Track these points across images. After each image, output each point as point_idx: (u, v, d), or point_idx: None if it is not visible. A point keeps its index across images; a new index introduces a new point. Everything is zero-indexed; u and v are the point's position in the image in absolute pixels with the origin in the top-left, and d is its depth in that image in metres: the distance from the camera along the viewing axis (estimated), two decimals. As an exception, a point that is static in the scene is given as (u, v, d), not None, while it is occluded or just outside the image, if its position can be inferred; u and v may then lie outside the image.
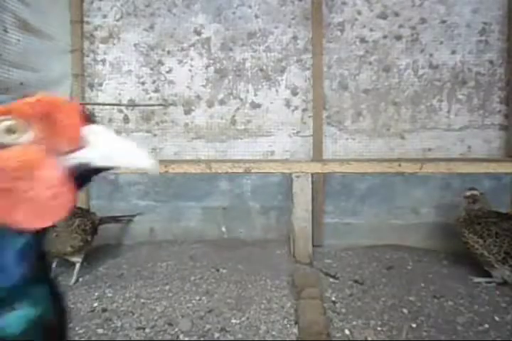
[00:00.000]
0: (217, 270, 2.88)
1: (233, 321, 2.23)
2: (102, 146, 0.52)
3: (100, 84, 3.56)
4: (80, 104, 3.07)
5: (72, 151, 0.52)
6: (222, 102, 3.52)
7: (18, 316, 0.51)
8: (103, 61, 3.55)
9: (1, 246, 0.51)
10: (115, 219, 3.30)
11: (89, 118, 0.54)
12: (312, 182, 3.09)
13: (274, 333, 2.12)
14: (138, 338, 2.07)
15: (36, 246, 0.54)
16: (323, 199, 3.41)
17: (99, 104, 3.55)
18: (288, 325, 2.18)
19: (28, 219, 0.50)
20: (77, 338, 2.02)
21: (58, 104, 0.52)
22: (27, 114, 0.50)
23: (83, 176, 0.54)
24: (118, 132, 3.56)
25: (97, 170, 0.55)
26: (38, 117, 0.51)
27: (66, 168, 0.52)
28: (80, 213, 2.81)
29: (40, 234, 0.54)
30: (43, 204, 0.50)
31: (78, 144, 0.52)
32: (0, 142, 0.49)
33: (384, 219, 3.40)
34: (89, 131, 0.53)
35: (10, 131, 0.49)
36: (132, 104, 3.55)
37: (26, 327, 0.51)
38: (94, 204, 3.48)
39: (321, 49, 3.37)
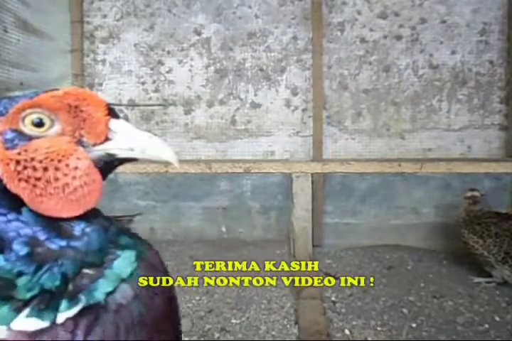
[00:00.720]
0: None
1: (233, 321, 2.23)
2: (126, 139, 0.54)
3: (100, 84, 3.56)
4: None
5: (97, 143, 0.54)
6: (222, 102, 3.52)
7: (124, 257, 0.55)
8: (103, 61, 3.55)
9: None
10: (115, 219, 3.29)
11: (113, 112, 0.55)
12: (312, 182, 3.09)
13: (274, 333, 2.12)
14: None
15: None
16: (323, 199, 3.41)
17: (99, 104, 3.55)
18: (288, 325, 2.18)
19: (57, 208, 0.52)
20: (77, 338, 2.02)
21: (86, 98, 0.53)
22: (55, 107, 0.52)
23: (107, 167, 0.57)
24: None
25: (121, 162, 0.57)
26: (65, 110, 0.52)
27: (92, 159, 0.54)
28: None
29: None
30: (71, 193, 0.53)
31: (104, 136, 0.54)
32: (29, 134, 0.51)
33: (384, 219, 3.40)
34: (114, 124, 0.55)
35: (40, 124, 0.51)
36: (132, 104, 3.55)
37: (135, 266, 0.55)
38: (94, 204, 3.47)
39: (321, 49, 3.37)
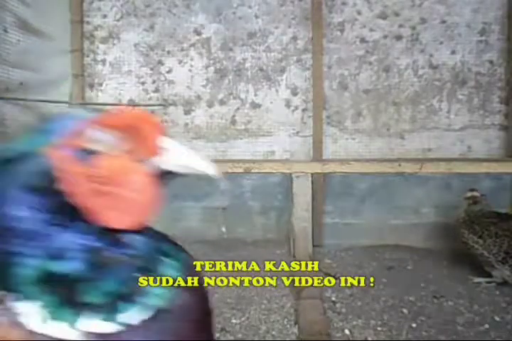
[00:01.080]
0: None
1: (233, 321, 2.23)
2: (175, 155, 0.60)
3: (100, 84, 3.56)
4: (80, 104, 3.05)
5: (151, 159, 0.59)
6: (222, 102, 3.52)
7: (171, 263, 0.60)
8: (103, 61, 3.55)
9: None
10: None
11: (164, 131, 0.61)
12: (312, 182, 3.09)
13: (274, 333, 2.12)
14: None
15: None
16: (323, 199, 3.41)
17: (99, 104, 3.55)
18: (288, 325, 2.18)
19: (118, 220, 0.56)
20: (77, 338, 2.02)
21: (142, 118, 0.59)
22: (116, 126, 0.57)
23: (160, 181, 0.61)
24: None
25: (172, 176, 0.62)
26: (124, 129, 0.57)
27: (149, 173, 0.59)
28: (80, 213, 2.80)
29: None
30: (132, 207, 0.57)
31: (156, 153, 0.59)
32: (93, 151, 0.55)
33: (384, 219, 3.40)
34: (164, 142, 0.60)
35: (100, 140, 0.56)
36: (132, 104, 3.55)
37: (181, 271, 0.60)
38: (94, 204, 3.47)
39: (321, 49, 3.37)
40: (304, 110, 3.47)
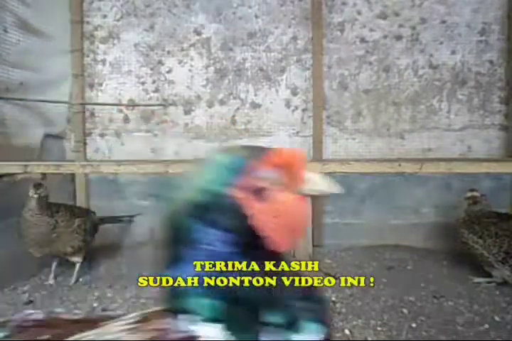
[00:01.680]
0: (217, 270, 2.88)
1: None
2: (313, 183, 0.69)
3: (100, 84, 3.56)
4: (80, 104, 3.05)
5: (300, 188, 0.68)
6: (222, 102, 3.52)
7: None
8: (103, 61, 3.55)
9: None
10: (115, 219, 3.29)
11: (305, 165, 0.69)
12: (312, 182, 3.09)
13: (274, 333, 2.12)
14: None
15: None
16: (323, 199, 3.41)
17: (99, 104, 3.55)
18: (288, 325, 2.18)
19: (283, 244, 0.66)
20: (77, 338, 2.02)
21: (295, 156, 0.68)
22: (280, 164, 0.66)
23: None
24: (118, 132, 3.57)
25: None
26: (285, 166, 0.66)
27: (302, 201, 0.68)
28: (79, 213, 2.80)
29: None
30: (295, 232, 0.68)
31: (303, 183, 0.68)
32: (264, 187, 0.64)
33: (384, 219, 3.40)
34: (307, 173, 0.69)
35: (268, 178, 0.65)
36: (132, 104, 3.55)
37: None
38: (94, 204, 3.47)
39: (321, 49, 3.37)
40: (303, 110, 3.47)
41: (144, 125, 3.56)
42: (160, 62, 3.53)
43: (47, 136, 3.26)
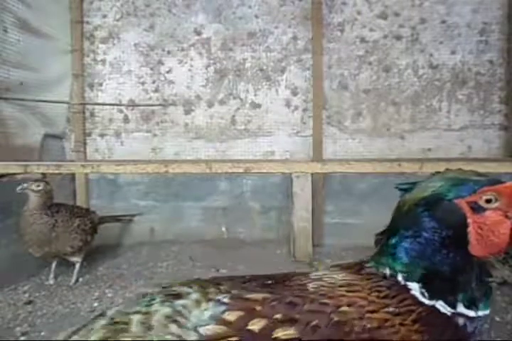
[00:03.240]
0: (217, 270, 2.88)
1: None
2: None
3: (100, 84, 3.56)
4: (80, 104, 3.04)
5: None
6: (222, 102, 3.52)
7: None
8: (103, 61, 3.55)
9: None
10: (115, 219, 3.29)
11: None
12: (312, 182, 3.09)
13: (274, 333, 2.12)
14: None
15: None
16: (323, 199, 3.41)
17: (99, 104, 3.55)
18: (288, 325, 2.18)
19: (482, 253, 0.83)
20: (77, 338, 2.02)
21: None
22: (502, 192, 0.81)
23: None
24: (118, 132, 3.57)
25: None
26: (507, 195, 0.81)
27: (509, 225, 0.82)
28: (79, 213, 2.79)
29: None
30: (492, 245, 0.82)
31: None
32: (483, 207, 0.81)
33: (384, 219, 3.38)
34: None
35: (490, 200, 0.81)
36: (132, 104, 3.55)
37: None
38: (94, 204, 3.48)
39: (321, 49, 3.37)
40: (304, 110, 3.47)
41: (144, 125, 3.56)
42: (160, 62, 3.53)
43: (47, 136, 3.26)
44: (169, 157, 3.50)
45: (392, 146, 3.43)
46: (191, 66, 3.52)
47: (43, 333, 2.07)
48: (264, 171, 3.00)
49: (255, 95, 3.50)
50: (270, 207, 3.50)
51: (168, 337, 0.72)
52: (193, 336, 0.72)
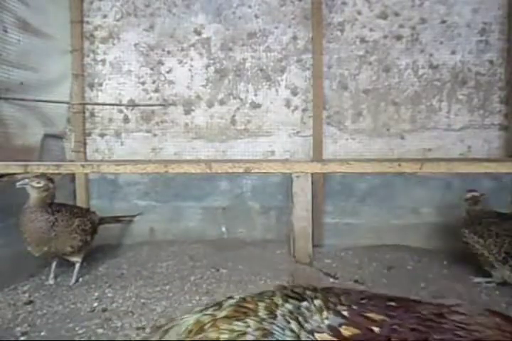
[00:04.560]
0: (217, 270, 2.88)
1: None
2: None
3: (100, 84, 3.56)
4: (80, 104, 3.05)
5: None
6: (222, 102, 3.52)
7: None
8: (103, 61, 3.55)
9: None
10: (116, 220, 3.29)
11: None
12: (312, 182, 3.09)
13: (274, 333, 2.12)
14: (138, 338, 2.07)
15: None
16: (323, 199, 3.41)
17: (99, 104, 3.55)
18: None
19: None
20: (77, 338, 2.02)
21: None
22: None
23: None
24: (118, 132, 3.57)
25: None
26: None
27: None
28: (79, 213, 2.79)
29: None
30: None
31: None
32: None
33: (384, 219, 3.40)
34: None
35: None
36: (132, 104, 3.55)
37: None
38: (94, 204, 3.48)
39: (321, 49, 3.37)
40: (303, 110, 3.47)
41: (144, 125, 3.56)
42: (160, 62, 3.53)
43: (47, 136, 3.26)
44: (169, 157, 3.50)
45: (392, 146, 3.43)
46: (191, 66, 3.52)
47: (43, 333, 2.07)
48: (264, 171, 3.00)
49: (255, 95, 3.50)
50: (270, 207, 3.50)
51: (288, 332, 0.77)
52: (308, 339, 0.75)
